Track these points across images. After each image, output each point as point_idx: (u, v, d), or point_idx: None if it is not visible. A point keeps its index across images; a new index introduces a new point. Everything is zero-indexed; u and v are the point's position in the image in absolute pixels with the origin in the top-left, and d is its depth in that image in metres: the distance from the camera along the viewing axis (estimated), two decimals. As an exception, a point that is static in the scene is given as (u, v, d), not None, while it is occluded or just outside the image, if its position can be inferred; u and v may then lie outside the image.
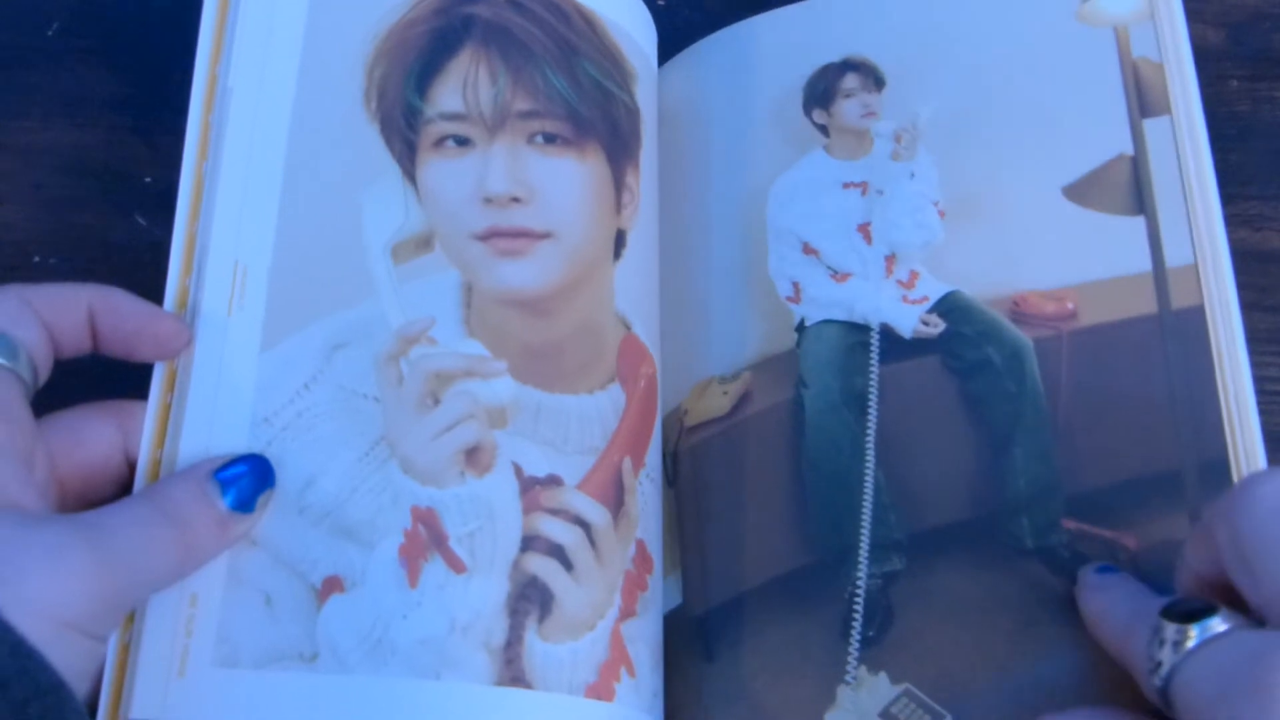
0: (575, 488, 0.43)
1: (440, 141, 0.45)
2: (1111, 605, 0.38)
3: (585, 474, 0.43)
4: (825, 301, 0.48)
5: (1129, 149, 0.45)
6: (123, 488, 0.40)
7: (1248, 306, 0.57)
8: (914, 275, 0.47)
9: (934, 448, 0.44)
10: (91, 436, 0.39)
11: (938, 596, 0.42)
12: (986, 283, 0.46)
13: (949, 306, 0.46)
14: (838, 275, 0.48)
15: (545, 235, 0.45)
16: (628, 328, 0.47)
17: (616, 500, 0.44)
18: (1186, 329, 0.43)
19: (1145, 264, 0.44)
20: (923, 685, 0.41)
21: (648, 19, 0.52)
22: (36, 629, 0.31)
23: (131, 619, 0.38)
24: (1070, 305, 0.44)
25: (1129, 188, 0.45)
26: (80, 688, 0.33)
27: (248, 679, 0.38)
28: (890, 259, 0.47)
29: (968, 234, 0.47)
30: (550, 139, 0.46)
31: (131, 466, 0.40)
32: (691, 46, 0.54)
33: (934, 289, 0.46)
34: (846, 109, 0.50)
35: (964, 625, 0.42)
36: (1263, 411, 0.54)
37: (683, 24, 0.56)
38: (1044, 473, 0.43)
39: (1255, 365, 0.55)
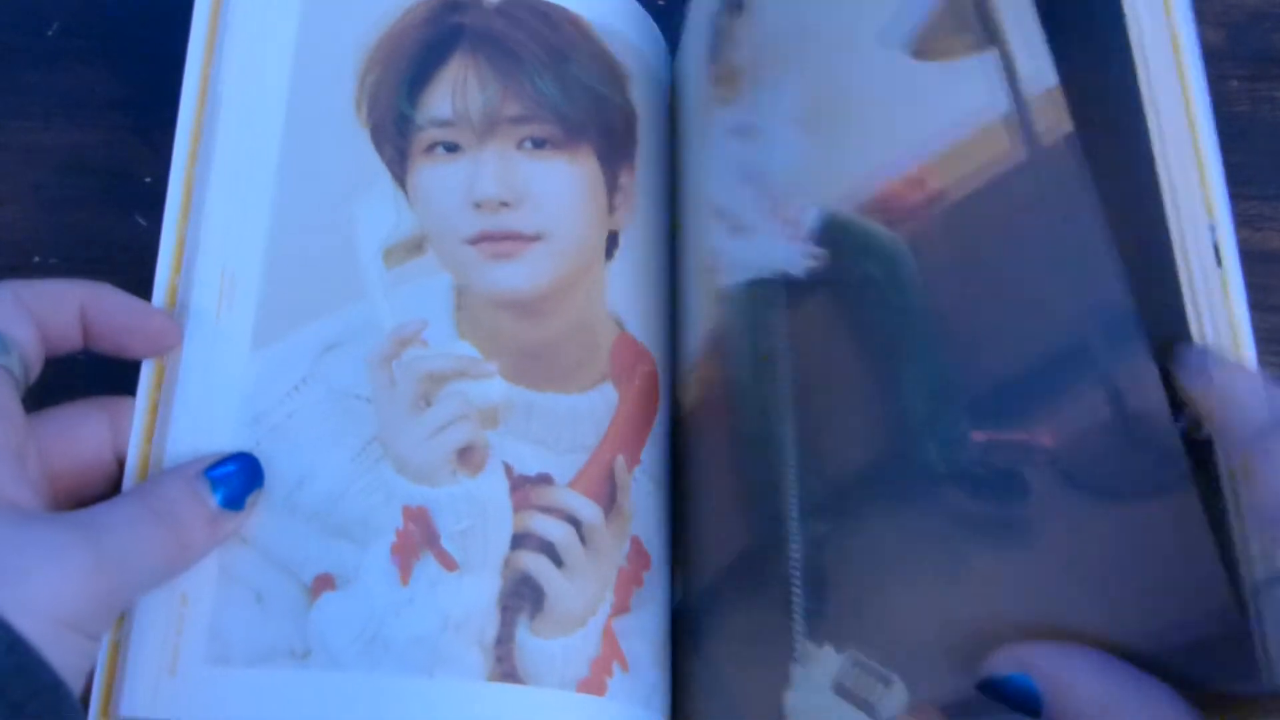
0: (567, 485, 0.43)
1: (431, 148, 0.45)
2: (1235, 389, 0.33)
3: (577, 472, 0.44)
4: (736, 264, 0.45)
5: None
6: (114, 484, 0.40)
7: (1248, 306, 0.57)
8: (797, 209, 0.43)
9: (840, 391, 0.41)
10: (83, 433, 0.39)
11: (864, 551, 0.39)
12: (854, 190, 0.41)
13: (826, 232, 0.42)
14: (740, 232, 0.45)
15: (535, 238, 0.45)
16: (621, 327, 0.47)
17: (609, 497, 0.44)
18: (1062, 166, 0.36)
19: (1004, 104, 0.38)
20: (868, 648, 0.39)
21: (647, 21, 0.52)
22: (35, 628, 0.31)
23: (122, 618, 0.38)
24: (935, 185, 0.39)
25: (973, 17, 0.39)
26: (75, 686, 0.33)
27: (239, 677, 0.38)
28: (774, 198, 0.44)
29: (828, 142, 0.43)
30: (540, 143, 0.46)
31: (122, 463, 0.40)
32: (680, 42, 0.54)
33: (811, 217, 0.43)
34: (725, 51, 0.48)
35: (894, 575, 0.38)
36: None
37: (681, 23, 0.56)
38: (940, 384, 0.38)
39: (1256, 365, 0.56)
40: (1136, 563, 0.34)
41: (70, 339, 0.39)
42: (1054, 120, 0.37)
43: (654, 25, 0.53)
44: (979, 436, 0.37)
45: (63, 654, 0.32)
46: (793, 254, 0.43)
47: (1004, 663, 0.34)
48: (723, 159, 0.47)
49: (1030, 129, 0.37)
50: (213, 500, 0.38)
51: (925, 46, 0.40)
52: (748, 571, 0.43)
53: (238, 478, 0.39)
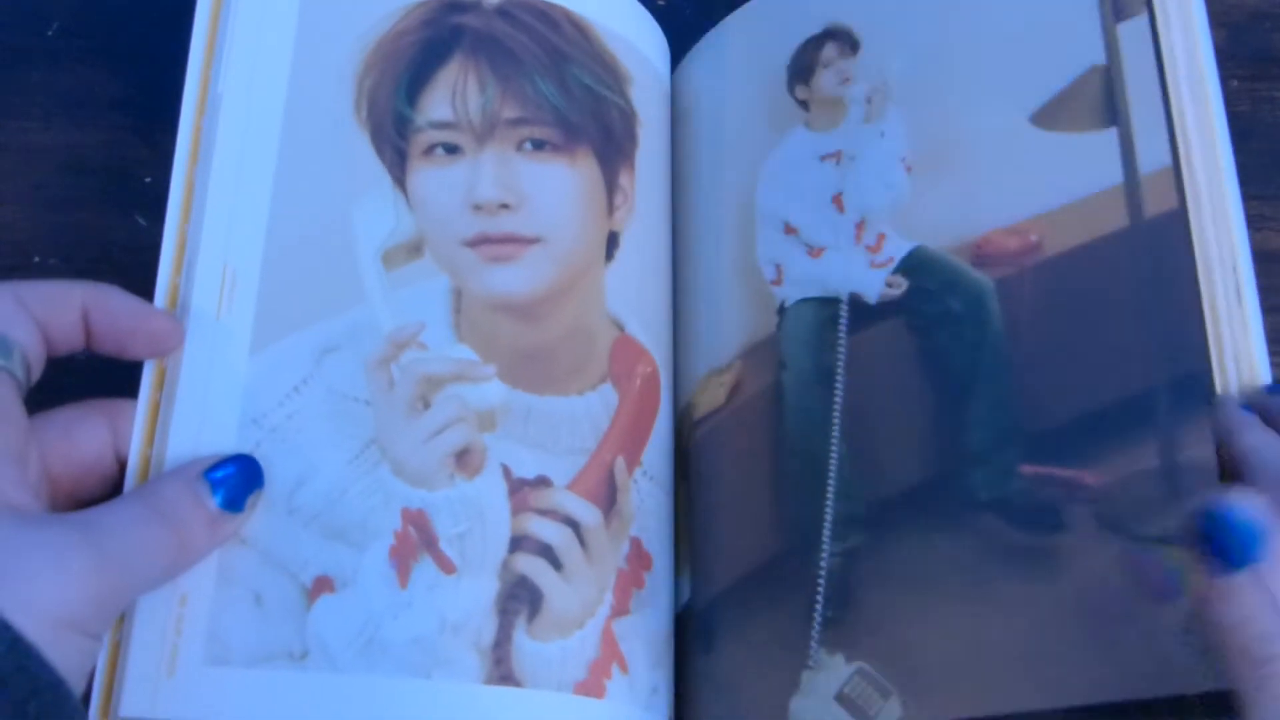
0: (565, 488, 0.43)
1: (430, 149, 0.46)
2: (1260, 455, 0.34)
3: (576, 474, 0.44)
4: (803, 279, 0.47)
5: (1101, 59, 0.42)
6: (114, 486, 0.40)
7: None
8: (881, 238, 0.45)
9: (896, 412, 0.43)
10: (83, 435, 0.39)
11: (893, 567, 0.41)
12: (951, 231, 0.44)
13: (912, 264, 0.44)
14: (813, 250, 0.47)
15: (534, 240, 0.45)
16: (621, 329, 0.47)
17: (608, 499, 0.44)
18: (1162, 238, 0.39)
19: (1116, 177, 0.41)
20: (876, 661, 0.40)
21: (649, 22, 0.52)
22: (36, 628, 0.31)
23: (122, 618, 0.38)
24: (1033, 238, 0.42)
25: (1101, 100, 0.42)
26: (77, 685, 0.33)
27: (238, 678, 0.38)
28: (860, 225, 0.46)
29: (933, 184, 0.45)
30: (539, 145, 0.46)
31: (122, 465, 0.40)
32: (698, 44, 0.54)
33: (899, 248, 0.45)
34: (824, 79, 0.49)
35: (915, 593, 0.40)
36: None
37: (684, 22, 0.56)
38: (1002, 419, 0.40)
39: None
40: (1154, 607, 0.35)
41: (72, 340, 0.39)
42: (1161, 196, 0.39)
43: (656, 26, 0.53)
44: (1028, 470, 0.39)
45: (64, 654, 0.32)
46: (871, 279, 0.45)
47: (1241, 499, 0.32)
48: (804, 179, 0.48)
49: (1137, 202, 0.40)
50: (212, 502, 0.38)
51: (1051, 119, 0.43)
52: (773, 577, 0.44)
53: (237, 479, 0.39)
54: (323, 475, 0.41)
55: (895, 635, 0.40)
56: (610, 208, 0.48)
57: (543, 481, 0.43)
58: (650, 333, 0.48)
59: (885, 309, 0.44)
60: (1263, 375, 0.37)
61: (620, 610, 0.43)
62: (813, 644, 0.42)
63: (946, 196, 0.44)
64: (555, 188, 0.46)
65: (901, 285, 0.44)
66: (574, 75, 0.48)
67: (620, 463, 0.45)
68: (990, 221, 0.43)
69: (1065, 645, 0.36)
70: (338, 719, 0.38)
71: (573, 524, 0.43)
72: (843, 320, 0.45)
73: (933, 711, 0.38)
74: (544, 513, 0.43)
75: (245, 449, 0.40)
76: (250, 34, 0.45)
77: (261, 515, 0.40)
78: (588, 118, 0.48)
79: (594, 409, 0.45)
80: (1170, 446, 0.36)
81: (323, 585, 0.40)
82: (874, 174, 0.46)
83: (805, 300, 0.46)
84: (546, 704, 0.40)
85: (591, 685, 0.41)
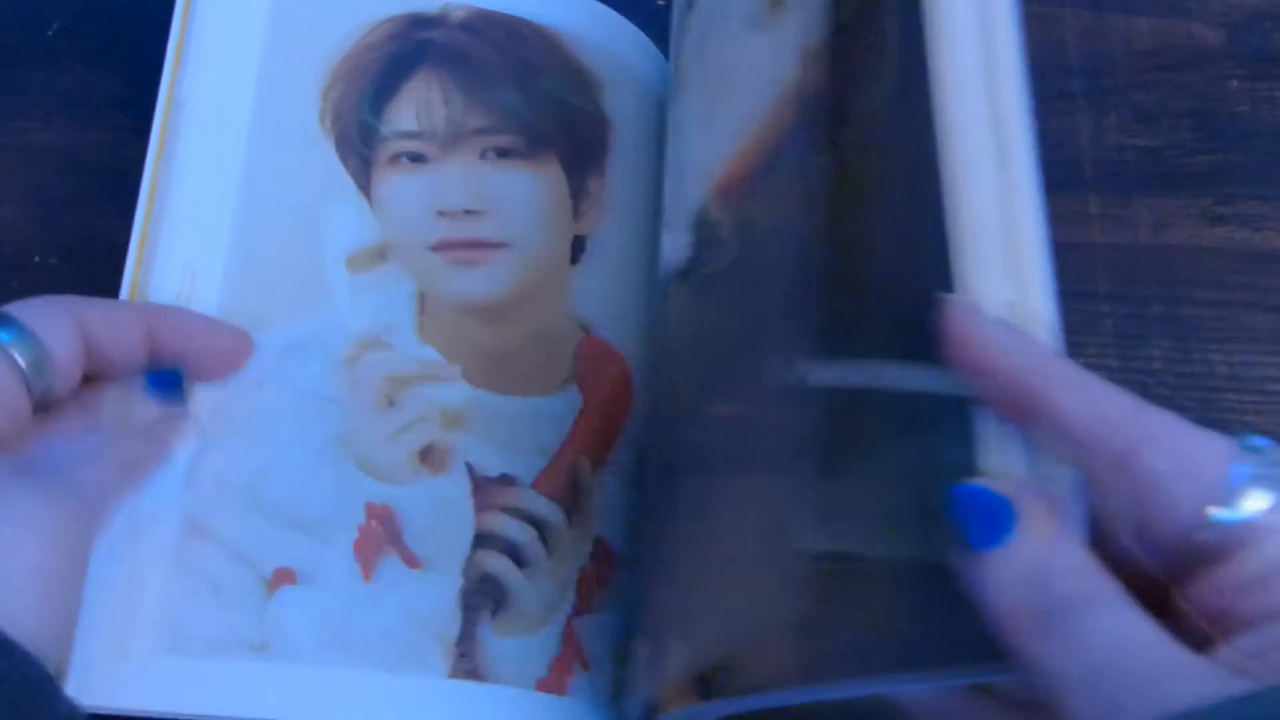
0: (529, 487, 0.44)
1: (396, 158, 0.46)
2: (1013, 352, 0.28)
3: (539, 473, 0.44)
4: (664, 260, 0.46)
5: None
6: None
7: (1248, 306, 0.56)
8: (679, 202, 0.44)
9: (684, 383, 0.42)
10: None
11: (654, 545, 0.41)
12: (713, 179, 0.41)
13: (695, 222, 0.43)
14: (666, 228, 0.46)
15: (499, 245, 0.46)
16: (587, 331, 0.47)
17: (571, 499, 0.45)
18: (814, 116, 0.33)
19: (792, 60, 0.35)
20: (644, 639, 0.41)
21: (628, 27, 0.52)
22: (18, 604, 0.32)
23: None
24: (750, 158, 0.38)
25: None
26: (68, 646, 0.34)
27: (195, 667, 0.38)
28: (674, 191, 0.44)
29: (708, 134, 0.42)
30: (504, 153, 0.47)
31: None
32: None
33: (689, 208, 0.43)
34: (680, 46, 0.47)
35: (660, 568, 0.40)
36: (1263, 412, 0.54)
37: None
38: (711, 365, 0.38)
39: (1256, 365, 0.55)
40: (745, 544, 0.33)
41: (133, 358, 0.39)
42: (815, 74, 0.33)
43: (638, 31, 0.53)
44: (716, 413, 0.37)
45: (42, 610, 0.32)
46: (679, 246, 0.44)
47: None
48: (668, 157, 0.47)
49: (804, 88, 0.34)
50: (154, 395, 0.39)
51: (764, 18, 0.38)
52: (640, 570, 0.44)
53: (165, 375, 0.39)
54: (285, 469, 0.41)
55: (650, 611, 0.40)
56: (576, 212, 0.48)
57: (507, 480, 0.44)
58: (623, 333, 0.48)
59: (683, 275, 0.43)
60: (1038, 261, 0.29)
61: (583, 609, 0.44)
62: (638, 629, 0.42)
63: (717, 144, 0.41)
64: (519, 194, 0.47)
65: (692, 247, 0.43)
66: (540, 85, 0.48)
67: (584, 463, 0.45)
68: (727, 156, 0.39)
69: (717, 594, 0.34)
70: (300, 711, 0.39)
71: (536, 522, 0.44)
72: (668, 292, 0.44)
73: (664, 679, 0.38)
74: (508, 510, 0.43)
75: (205, 439, 0.41)
76: (216, 43, 0.46)
77: (221, 506, 0.40)
78: (553, 126, 0.48)
79: (559, 410, 0.45)
80: (781, 368, 0.32)
81: (283, 577, 0.40)
82: (687, 136, 0.45)
83: (663, 281, 0.46)
84: (509, 699, 0.41)
85: (553, 682, 0.42)
